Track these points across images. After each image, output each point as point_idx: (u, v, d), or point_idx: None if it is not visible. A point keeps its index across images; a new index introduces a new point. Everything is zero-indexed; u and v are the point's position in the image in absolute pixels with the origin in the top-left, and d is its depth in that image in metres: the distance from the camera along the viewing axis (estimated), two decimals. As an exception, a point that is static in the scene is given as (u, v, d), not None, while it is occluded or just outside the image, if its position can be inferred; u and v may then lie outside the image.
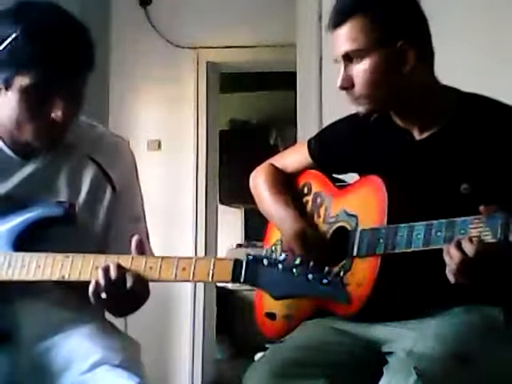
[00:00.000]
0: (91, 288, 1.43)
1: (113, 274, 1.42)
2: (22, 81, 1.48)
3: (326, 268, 1.32)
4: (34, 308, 1.53)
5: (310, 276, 1.32)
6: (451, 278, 1.42)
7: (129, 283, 1.41)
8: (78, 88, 1.55)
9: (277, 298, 1.39)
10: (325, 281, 1.31)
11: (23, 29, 1.47)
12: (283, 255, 1.35)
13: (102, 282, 1.42)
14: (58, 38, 1.49)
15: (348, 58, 1.62)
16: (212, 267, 1.39)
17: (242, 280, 1.35)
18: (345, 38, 1.61)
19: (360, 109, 1.66)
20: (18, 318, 1.56)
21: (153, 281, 1.44)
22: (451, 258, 1.40)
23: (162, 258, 1.44)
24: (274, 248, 1.88)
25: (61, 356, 1.54)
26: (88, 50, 1.55)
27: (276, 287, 1.35)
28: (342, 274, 1.38)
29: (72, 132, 1.61)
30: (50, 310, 1.55)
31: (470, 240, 1.38)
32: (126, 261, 1.44)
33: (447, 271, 1.42)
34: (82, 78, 1.55)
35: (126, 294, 1.43)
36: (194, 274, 1.39)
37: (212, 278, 1.39)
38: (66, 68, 1.50)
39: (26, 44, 1.47)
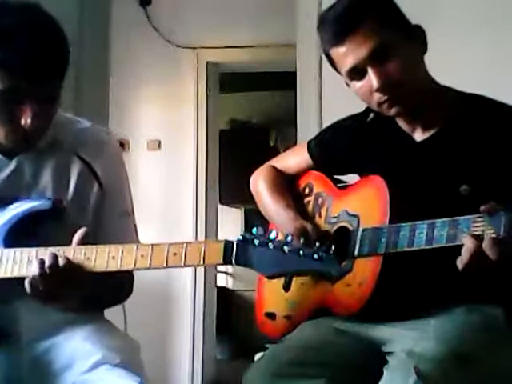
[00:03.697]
0: (27, 279, 1.42)
1: (47, 262, 1.41)
2: None
3: (317, 243, 1.31)
4: (33, 307, 1.52)
5: (301, 252, 1.30)
6: (459, 265, 1.40)
7: (64, 273, 1.41)
8: (50, 93, 1.51)
9: (269, 277, 1.38)
10: (316, 256, 1.30)
11: None
12: (274, 233, 1.34)
13: (37, 271, 1.41)
14: (28, 43, 1.43)
15: (373, 58, 1.55)
16: (203, 250, 1.37)
17: (233, 262, 1.34)
18: (363, 39, 1.55)
19: (392, 111, 1.61)
20: (17, 317, 1.56)
21: (144, 268, 1.42)
22: (467, 247, 1.38)
23: (153, 245, 1.42)
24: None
25: (61, 356, 1.55)
26: (60, 54, 1.49)
27: (268, 266, 1.33)
28: (332, 248, 1.36)
29: (56, 129, 1.60)
30: (49, 309, 1.54)
31: (474, 237, 1.37)
32: (115, 251, 1.43)
33: (458, 260, 1.40)
34: (53, 83, 1.50)
35: (61, 284, 1.42)
36: (185, 258, 1.38)
37: (203, 261, 1.37)
38: (36, 73, 1.45)
39: None
